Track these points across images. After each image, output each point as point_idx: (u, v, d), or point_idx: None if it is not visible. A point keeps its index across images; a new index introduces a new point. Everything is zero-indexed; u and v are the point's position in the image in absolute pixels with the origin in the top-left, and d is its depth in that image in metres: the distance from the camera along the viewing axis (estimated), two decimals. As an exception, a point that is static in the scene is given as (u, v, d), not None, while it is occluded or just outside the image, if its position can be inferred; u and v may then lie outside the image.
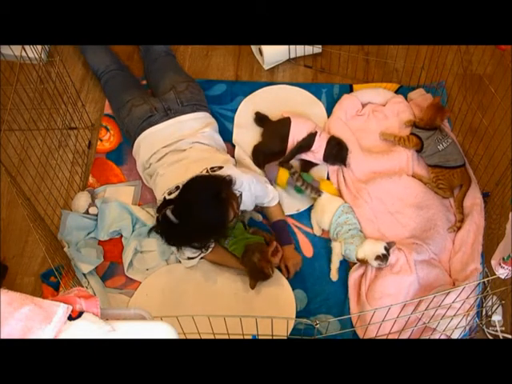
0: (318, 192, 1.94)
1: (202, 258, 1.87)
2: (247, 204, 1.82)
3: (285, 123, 2.05)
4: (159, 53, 2.26)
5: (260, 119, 2.16)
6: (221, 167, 1.76)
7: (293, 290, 1.83)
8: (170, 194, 1.72)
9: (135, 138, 1.99)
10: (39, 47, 1.96)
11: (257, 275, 1.79)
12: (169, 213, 1.58)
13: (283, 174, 1.96)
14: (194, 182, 1.64)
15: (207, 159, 1.84)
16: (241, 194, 1.72)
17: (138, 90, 2.15)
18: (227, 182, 1.65)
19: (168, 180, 1.80)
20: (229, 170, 1.75)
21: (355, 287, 1.84)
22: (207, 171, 1.74)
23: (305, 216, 1.99)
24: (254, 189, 1.80)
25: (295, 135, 2.02)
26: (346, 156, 2.02)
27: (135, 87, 2.17)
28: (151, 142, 1.95)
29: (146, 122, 1.97)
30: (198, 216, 1.58)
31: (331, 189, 1.98)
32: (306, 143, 2.00)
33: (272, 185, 1.95)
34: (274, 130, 2.09)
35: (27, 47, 1.83)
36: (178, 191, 1.66)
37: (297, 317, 1.77)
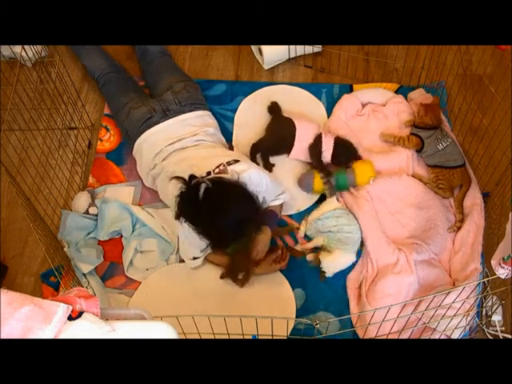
0: (333, 193, 1.95)
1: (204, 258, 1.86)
2: None
3: (288, 125, 2.04)
4: (154, 54, 2.26)
5: (273, 109, 2.15)
6: (237, 160, 1.75)
7: (292, 289, 1.83)
8: None
9: (135, 141, 1.99)
10: (39, 47, 1.97)
11: (231, 274, 1.82)
12: (203, 186, 1.54)
13: (318, 181, 1.95)
14: (242, 188, 1.63)
15: (218, 155, 1.83)
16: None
17: (135, 92, 2.14)
18: (262, 215, 1.66)
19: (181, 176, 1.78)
20: (245, 165, 1.74)
21: (354, 287, 1.84)
22: (223, 166, 1.71)
23: (304, 216, 1.98)
24: (267, 186, 1.78)
25: (302, 138, 2.02)
26: (355, 156, 2.01)
27: (132, 89, 2.16)
28: (153, 142, 1.94)
29: (146, 124, 1.97)
30: (224, 213, 1.56)
31: (364, 169, 1.96)
32: (316, 147, 2.00)
33: (309, 192, 1.97)
34: (278, 130, 2.09)
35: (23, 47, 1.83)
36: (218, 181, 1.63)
37: (296, 315, 1.77)
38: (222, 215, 1.57)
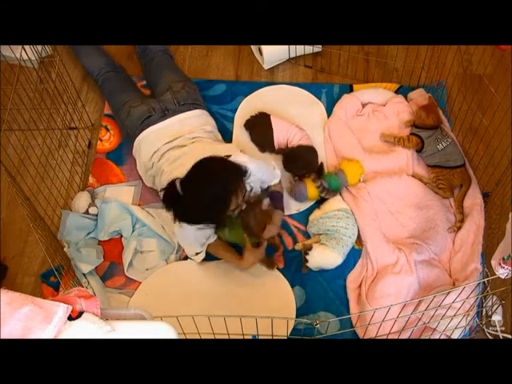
0: (333, 194, 1.95)
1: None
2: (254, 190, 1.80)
3: (265, 120, 2.07)
4: (156, 52, 2.26)
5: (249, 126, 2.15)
6: (228, 156, 1.75)
7: (292, 287, 1.83)
8: None
9: (135, 139, 1.99)
10: (39, 47, 1.97)
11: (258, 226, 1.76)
12: (177, 182, 1.59)
13: (312, 189, 1.94)
14: (209, 160, 1.65)
15: (211, 151, 1.82)
16: (251, 189, 1.71)
17: (134, 91, 2.15)
18: (240, 172, 1.65)
19: (174, 176, 1.78)
20: (238, 158, 1.73)
21: (354, 287, 1.84)
22: None
23: (304, 216, 1.99)
24: (262, 174, 1.80)
25: (279, 135, 2.04)
26: (311, 165, 1.98)
27: (131, 88, 2.17)
28: (151, 141, 1.95)
29: (145, 123, 1.97)
30: (199, 193, 1.58)
31: (353, 169, 1.97)
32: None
33: (303, 201, 1.97)
34: (257, 128, 2.10)
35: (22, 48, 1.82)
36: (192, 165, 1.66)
37: (296, 315, 1.77)
38: (205, 193, 1.58)
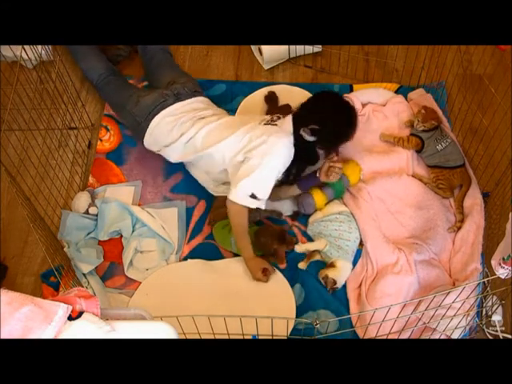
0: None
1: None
2: None
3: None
4: (155, 51, 2.26)
5: (270, 98, 2.21)
6: (279, 117, 1.86)
7: (292, 286, 1.83)
8: (273, 120, 1.84)
9: (147, 125, 1.95)
10: (39, 47, 1.97)
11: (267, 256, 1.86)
12: (307, 130, 1.74)
13: (319, 198, 1.92)
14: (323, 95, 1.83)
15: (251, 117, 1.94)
16: None
17: (135, 88, 2.17)
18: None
19: (240, 122, 1.86)
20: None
21: (354, 287, 1.84)
22: (272, 119, 1.84)
23: (305, 217, 1.98)
24: None
25: None
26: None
27: (133, 86, 2.18)
28: (170, 120, 1.92)
29: (160, 106, 1.95)
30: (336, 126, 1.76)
31: (352, 168, 1.97)
32: None
33: (311, 211, 1.96)
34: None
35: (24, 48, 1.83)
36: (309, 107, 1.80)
37: (296, 315, 1.77)
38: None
